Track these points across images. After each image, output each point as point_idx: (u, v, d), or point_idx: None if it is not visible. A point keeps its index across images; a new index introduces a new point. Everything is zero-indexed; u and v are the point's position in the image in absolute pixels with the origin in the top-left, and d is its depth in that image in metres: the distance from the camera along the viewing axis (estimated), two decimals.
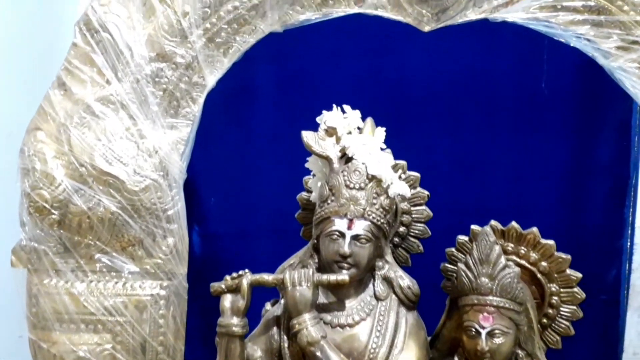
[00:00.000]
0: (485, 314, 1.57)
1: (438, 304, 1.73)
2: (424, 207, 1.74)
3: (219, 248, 2.27)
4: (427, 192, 1.73)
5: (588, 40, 1.63)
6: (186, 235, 1.80)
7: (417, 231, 1.75)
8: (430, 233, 1.75)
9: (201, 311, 1.87)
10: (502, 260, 1.57)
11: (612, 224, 2.13)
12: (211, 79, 1.74)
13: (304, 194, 1.77)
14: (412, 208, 1.74)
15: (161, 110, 1.74)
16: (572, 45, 1.65)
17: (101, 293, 1.80)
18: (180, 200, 1.78)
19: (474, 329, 1.58)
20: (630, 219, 2.16)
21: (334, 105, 1.66)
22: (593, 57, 1.64)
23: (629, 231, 2.21)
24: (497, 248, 1.58)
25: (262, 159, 2.23)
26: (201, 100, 1.75)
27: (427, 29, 1.67)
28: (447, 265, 1.73)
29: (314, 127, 1.71)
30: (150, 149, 1.75)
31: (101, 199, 1.75)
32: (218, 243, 2.26)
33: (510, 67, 2.10)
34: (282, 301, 1.64)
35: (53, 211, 1.75)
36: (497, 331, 1.57)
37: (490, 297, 1.58)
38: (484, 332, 1.57)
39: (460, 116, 2.14)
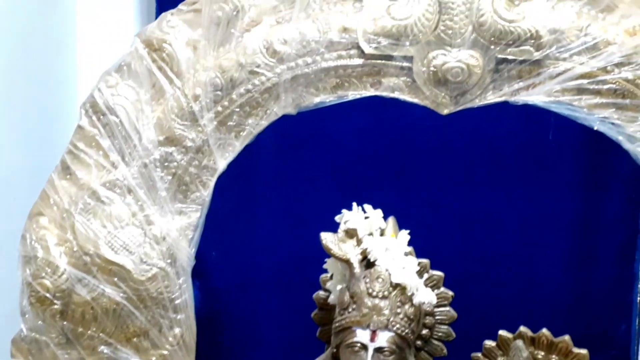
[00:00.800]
0: None
1: None
2: (448, 308, 1.67)
3: (221, 302, 2.24)
4: (451, 293, 1.67)
5: (612, 124, 1.58)
6: (194, 324, 1.74)
7: (440, 333, 1.68)
8: (454, 335, 1.67)
9: None
10: None
11: (622, 278, 2.09)
12: (222, 163, 1.69)
13: (321, 293, 1.70)
14: (436, 309, 1.67)
15: (170, 195, 1.68)
16: (595, 129, 1.60)
17: None
18: (187, 289, 1.72)
19: None
20: None
21: (354, 204, 1.60)
22: (618, 141, 1.58)
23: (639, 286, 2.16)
24: None
25: (265, 211, 2.17)
26: (211, 184, 1.69)
27: (445, 112, 1.62)
28: None
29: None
30: (158, 236, 1.68)
31: (105, 288, 1.68)
32: (220, 297, 2.24)
33: (517, 119, 2.05)
34: None
35: (55, 301, 1.68)
36: None
37: None
38: None
39: (466, 170, 2.09)
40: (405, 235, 1.60)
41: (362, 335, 1.53)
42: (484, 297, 1.84)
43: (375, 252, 1.55)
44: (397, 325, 1.54)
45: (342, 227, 1.58)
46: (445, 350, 1.70)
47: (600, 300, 2.10)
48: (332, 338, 1.59)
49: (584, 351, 1.62)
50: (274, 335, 2.08)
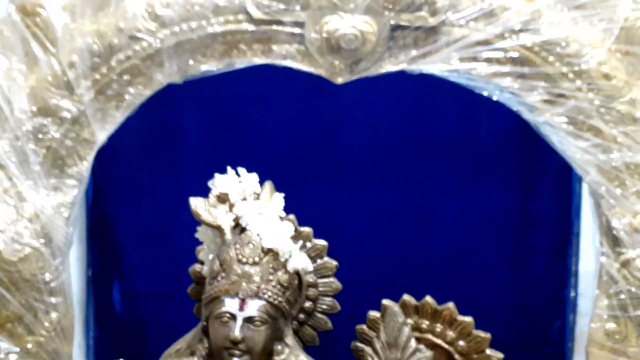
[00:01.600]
0: None
1: None
2: (332, 279, 1.59)
3: (142, 306, 2.17)
4: (335, 263, 1.59)
5: (512, 93, 1.52)
6: (72, 309, 1.62)
7: (325, 306, 1.60)
8: (339, 307, 1.59)
9: None
10: (413, 343, 1.43)
11: (555, 275, 2.06)
12: (102, 135, 1.58)
13: (196, 266, 1.60)
14: (319, 280, 1.58)
15: (44, 169, 1.56)
16: (494, 99, 1.53)
17: None
18: (65, 270, 1.60)
19: None
20: (574, 268, 2.10)
21: (229, 168, 1.51)
22: (518, 111, 1.52)
23: (573, 280, 2.14)
24: (406, 330, 1.43)
25: (188, 214, 2.06)
26: (90, 158, 1.58)
27: (339, 80, 1.54)
28: (357, 344, 1.58)
29: None
30: (31, 214, 1.55)
31: None
32: (141, 301, 2.16)
33: (448, 116, 2.01)
34: None
35: None
36: None
37: None
38: None
39: (397, 166, 2.04)
40: (280, 198, 1.52)
41: (230, 305, 1.44)
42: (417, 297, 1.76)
43: (247, 216, 1.46)
44: (269, 293, 1.46)
45: (213, 192, 1.49)
46: (329, 324, 1.62)
47: (535, 297, 2.08)
48: (202, 311, 1.50)
49: (468, 318, 1.57)
50: None
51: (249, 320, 1.44)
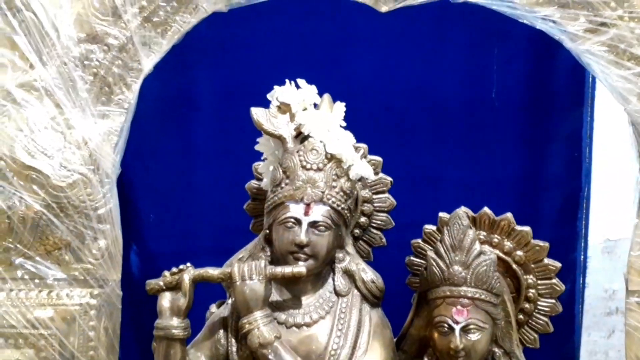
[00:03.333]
0: (459, 307, 1.42)
1: (403, 303, 1.59)
2: (387, 194, 1.60)
3: (159, 268, 2.06)
4: (390, 179, 1.59)
5: (554, 22, 1.53)
6: (120, 237, 1.63)
7: (379, 221, 1.61)
8: (393, 223, 1.61)
9: (138, 330, 1.67)
10: (477, 246, 1.43)
11: (565, 237, 2.07)
12: (148, 63, 1.58)
13: (253, 182, 1.60)
14: (374, 196, 1.59)
15: (91, 97, 1.57)
16: (537, 27, 1.55)
17: (23, 303, 1.60)
18: (113, 198, 1.61)
19: (446, 325, 1.43)
20: (583, 231, 2.11)
21: (287, 80, 1.51)
22: (560, 40, 1.54)
23: (582, 244, 2.15)
24: (471, 233, 1.44)
25: (204, 170, 2.08)
26: (136, 87, 1.59)
27: (384, 9, 1.55)
28: (413, 258, 1.58)
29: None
30: (79, 141, 1.57)
31: (23, 196, 1.57)
32: (158, 263, 2.11)
33: (460, 78, 2.02)
34: (230, 300, 1.46)
35: None
36: (472, 326, 1.43)
37: (465, 288, 1.43)
38: (457, 328, 1.42)
39: (409, 129, 2.05)
40: (341, 107, 1.52)
41: (295, 210, 1.45)
42: None
43: (309, 124, 1.47)
44: (333, 199, 1.46)
45: (273, 103, 1.49)
46: (384, 240, 1.63)
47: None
48: (264, 219, 1.50)
49: (527, 228, 1.57)
50: (209, 304, 1.97)
51: (313, 224, 1.45)
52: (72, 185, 1.57)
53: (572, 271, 2.11)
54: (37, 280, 1.61)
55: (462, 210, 1.50)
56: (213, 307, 1.55)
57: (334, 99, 2.02)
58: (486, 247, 1.54)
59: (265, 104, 1.97)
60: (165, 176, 2.10)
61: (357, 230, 1.60)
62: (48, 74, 1.56)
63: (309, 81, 2.03)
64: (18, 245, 1.58)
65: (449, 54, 2.02)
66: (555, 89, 2.04)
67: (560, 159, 2.09)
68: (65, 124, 1.57)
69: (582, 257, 2.17)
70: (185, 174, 2.10)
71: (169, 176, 2.10)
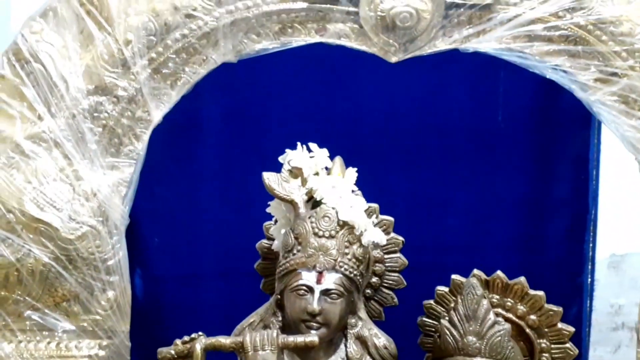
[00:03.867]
0: None
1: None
2: (398, 254, 1.60)
3: (163, 292, 2.14)
4: (401, 238, 1.59)
5: (564, 72, 1.53)
6: (129, 287, 1.63)
7: (391, 281, 1.60)
8: (405, 283, 1.60)
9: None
10: (491, 316, 1.43)
11: (572, 260, 2.07)
12: (157, 114, 1.57)
13: (264, 242, 1.60)
14: (386, 256, 1.58)
15: (100, 148, 1.57)
16: (547, 77, 1.55)
17: (32, 355, 1.61)
18: (122, 249, 1.61)
19: None
20: (590, 254, 2.11)
21: (299, 144, 1.51)
22: (570, 89, 1.53)
23: (589, 267, 2.15)
24: (485, 303, 1.44)
25: (209, 197, 2.07)
26: (146, 137, 1.58)
27: (394, 59, 1.54)
28: (425, 319, 1.58)
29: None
30: (88, 192, 1.57)
31: (31, 248, 1.56)
32: (162, 286, 2.14)
33: (466, 100, 2.02)
34: None
35: None
36: None
37: (479, 359, 1.43)
38: None
39: (415, 152, 2.05)
40: (352, 173, 1.52)
41: (308, 277, 1.44)
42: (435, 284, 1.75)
43: (321, 190, 1.46)
44: (345, 266, 1.46)
45: (285, 167, 1.49)
46: (396, 299, 1.62)
47: (551, 282, 2.06)
48: (276, 284, 1.50)
49: (540, 293, 1.57)
50: (215, 326, 1.98)
51: (326, 292, 1.45)
52: (81, 237, 1.57)
53: (579, 293, 2.11)
54: (45, 332, 1.61)
55: (476, 278, 1.50)
56: None
57: (339, 124, 2.02)
58: (499, 311, 1.53)
59: (271, 130, 1.97)
60: (169, 199, 2.09)
61: (368, 291, 1.60)
62: (57, 125, 1.56)
63: (316, 106, 2.04)
64: (27, 298, 1.58)
65: (454, 77, 2.01)
66: (561, 111, 2.04)
67: (567, 181, 2.08)
68: (74, 175, 1.57)
69: (590, 279, 2.17)
70: (189, 198, 2.10)
71: (173, 199, 2.10)
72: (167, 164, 2.09)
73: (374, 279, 1.59)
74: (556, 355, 1.57)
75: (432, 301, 1.59)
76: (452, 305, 1.50)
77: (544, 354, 1.57)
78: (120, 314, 1.62)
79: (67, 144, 1.55)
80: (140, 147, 1.58)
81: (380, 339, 1.50)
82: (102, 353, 1.62)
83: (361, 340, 1.50)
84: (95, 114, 1.55)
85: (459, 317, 1.46)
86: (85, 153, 1.56)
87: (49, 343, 1.61)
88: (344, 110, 2.09)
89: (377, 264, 1.58)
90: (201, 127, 2.11)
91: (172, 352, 1.41)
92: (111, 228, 1.58)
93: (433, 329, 1.55)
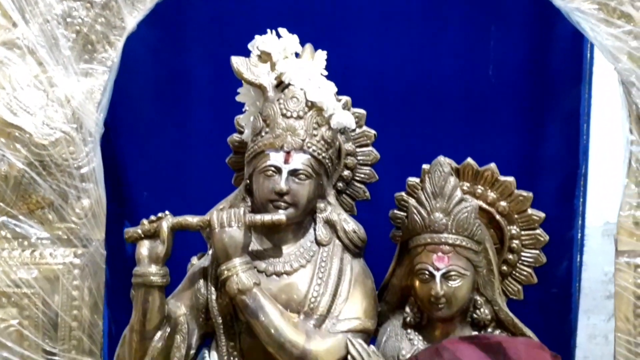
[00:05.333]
0: (439, 253, 1.41)
1: (386, 257, 1.55)
2: (370, 148, 1.58)
3: None
4: (373, 132, 1.57)
5: None
6: (103, 196, 1.62)
7: (363, 175, 1.59)
8: (377, 177, 1.58)
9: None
10: (458, 193, 1.42)
11: (562, 215, 2.04)
12: (131, 21, 1.58)
13: (235, 136, 1.58)
14: (358, 149, 1.57)
15: (74, 55, 1.57)
16: None
17: (6, 262, 1.59)
18: (96, 157, 1.60)
19: (427, 272, 1.41)
20: (581, 209, 2.08)
21: (268, 30, 1.50)
22: None
23: (580, 222, 2.12)
24: (452, 180, 1.42)
25: (198, 147, 2.06)
26: (120, 45, 1.59)
27: None
28: (396, 212, 1.56)
29: None
30: (62, 99, 1.57)
31: (5, 154, 1.56)
32: None
33: (457, 58, 2.00)
34: (210, 251, 1.44)
35: None
36: (453, 273, 1.41)
37: (445, 235, 1.42)
38: (438, 275, 1.40)
39: (405, 108, 2.04)
40: (322, 56, 1.50)
41: (275, 158, 1.43)
42: None
43: (289, 73, 1.45)
44: (313, 147, 1.45)
45: (254, 52, 1.48)
46: (367, 193, 1.60)
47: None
48: (245, 169, 1.49)
49: (510, 178, 1.55)
50: (190, 257, 1.96)
51: (293, 173, 1.43)
52: (54, 143, 1.57)
53: (569, 249, 2.09)
54: (20, 240, 1.59)
55: (444, 158, 1.48)
56: (194, 260, 1.54)
57: (330, 76, 2.01)
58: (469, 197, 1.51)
59: None
60: (159, 153, 2.08)
61: (340, 184, 1.58)
62: (31, 32, 1.56)
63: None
64: (1, 204, 1.57)
65: (445, 31, 2.00)
66: (553, 67, 2.03)
67: (558, 137, 2.07)
68: (47, 82, 1.57)
69: (580, 235, 2.15)
70: (179, 150, 2.08)
71: (162, 153, 2.09)
72: (155, 121, 2.08)
73: (346, 172, 1.58)
74: (526, 242, 1.56)
75: (403, 193, 1.57)
76: (420, 186, 1.48)
77: (514, 241, 1.55)
78: (95, 222, 1.61)
79: (40, 50, 1.55)
80: (115, 54, 1.58)
81: (349, 224, 1.49)
82: (77, 261, 1.61)
83: (330, 224, 1.48)
84: (69, 20, 1.55)
85: (426, 195, 1.45)
86: (59, 59, 1.56)
87: (23, 251, 1.60)
88: (333, 64, 2.08)
89: (348, 157, 1.57)
90: (189, 80, 2.09)
91: (139, 231, 1.39)
92: (85, 135, 1.58)
93: (404, 221, 1.53)
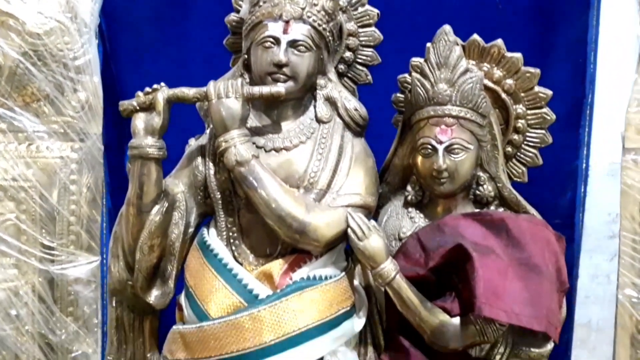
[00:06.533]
0: (443, 126, 1.36)
1: (388, 144, 1.52)
2: (373, 28, 1.52)
3: None
4: (377, 10, 1.51)
5: None
6: (100, 89, 1.59)
7: (365, 57, 1.53)
8: (380, 59, 1.53)
9: None
10: (463, 62, 1.37)
11: (568, 144, 1.98)
12: None
13: (232, 15, 1.53)
14: (360, 29, 1.51)
15: None
16: None
17: (2, 155, 1.55)
18: (92, 49, 1.57)
19: (430, 146, 1.37)
20: (586, 139, 2.03)
21: None
22: None
23: (585, 151, 2.08)
24: (457, 49, 1.37)
25: (196, 39, 1.99)
26: None
27: None
28: (399, 95, 1.51)
29: None
30: None
31: None
32: None
33: None
34: (208, 130, 1.40)
35: None
36: (456, 146, 1.36)
37: (449, 107, 1.37)
38: (441, 148, 1.36)
39: (413, 36, 1.96)
40: None
41: (274, 28, 1.37)
42: None
43: None
44: (314, 17, 1.39)
45: None
46: (370, 77, 1.55)
47: (546, 167, 2.00)
48: (242, 44, 1.44)
49: (517, 55, 1.49)
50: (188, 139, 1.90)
51: (293, 44, 1.38)
52: (49, 32, 1.53)
53: (574, 179, 2.05)
54: (16, 133, 1.57)
55: (449, 27, 1.43)
56: (192, 141, 1.50)
57: None
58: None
59: None
60: (157, 48, 2.00)
61: (341, 66, 1.53)
62: None
63: None
64: None
65: None
66: None
67: (565, 64, 2.01)
68: None
69: (585, 164, 2.10)
70: (177, 44, 2.00)
71: (161, 47, 2.00)
72: (155, 42, 2.01)
73: (348, 54, 1.52)
74: (532, 121, 1.51)
75: (406, 75, 1.52)
76: (424, 57, 1.43)
77: (519, 120, 1.50)
78: (92, 115, 1.59)
79: None
80: None
81: (351, 102, 1.44)
82: (74, 155, 1.59)
83: (331, 101, 1.44)
84: None
85: (430, 67, 1.40)
86: None
87: (19, 144, 1.57)
88: None
89: (350, 38, 1.51)
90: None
91: (134, 103, 1.36)
92: (80, 25, 1.55)
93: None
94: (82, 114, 1.58)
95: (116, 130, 1.67)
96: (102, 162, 1.60)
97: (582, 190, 1.98)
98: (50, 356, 1.60)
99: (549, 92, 1.45)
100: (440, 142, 1.34)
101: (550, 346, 1.43)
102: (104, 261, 1.62)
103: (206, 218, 1.45)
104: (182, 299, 1.41)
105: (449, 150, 1.35)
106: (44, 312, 1.59)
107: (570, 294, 1.76)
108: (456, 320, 1.31)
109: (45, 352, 1.60)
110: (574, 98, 1.94)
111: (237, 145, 1.29)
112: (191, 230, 1.40)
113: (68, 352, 1.61)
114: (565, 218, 1.91)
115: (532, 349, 1.41)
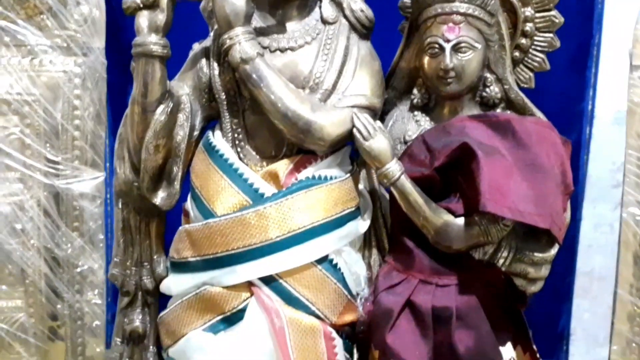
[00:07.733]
0: (450, 24, 1.35)
1: (394, 52, 1.51)
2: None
3: None
4: None
5: None
6: (103, 2, 1.56)
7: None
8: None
9: None
10: None
11: (574, 85, 1.96)
12: None
13: None
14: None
15: None
16: None
17: (5, 69, 1.54)
18: None
19: (437, 45, 1.36)
20: (593, 80, 2.01)
21: None
22: None
23: (591, 92, 2.06)
24: None
25: None
26: None
27: None
28: (405, 1, 1.50)
29: None
30: None
31: None
32: None
33: None
34: (212, 33, 1.39)
35: None
36: (463, 44, 1.35)
37: (457, 4, 1.36)
38: (448, 47, 1.35)
39: None
40: None
41: None
42: None
43: None
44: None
45: None
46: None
47: (553, 109, 1.98)
48: None
49: None
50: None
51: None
52: None
53: (580, 120, 2.03)
54: (19, 46, 1.56)
55: None
56: (195, 46, 1.49)
57: None
58: None
59: None
60: None
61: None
62: None
63: None
64: None
65: None
66: None
67: (571, 4, 1.99)
68: None
69: (590, 106, 2.09)
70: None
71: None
72: None
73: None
74: (540, 25, 1.49)
75: None
76: None
77: (527, 24, 1.49)
78: (95, 29, 1.57)
79: None
80: None
81: (357, 2, 1.43)
82: (77, 70, 1.58)
83: (336, 2, 1.43)
84: None
85: None
86: None
87: (23, 58, 1.56)
88: None
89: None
90: None
91: (138, 0, 1.34)
92: None
93: None
94: (85, 27, 1.57)
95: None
96: (105, 77, 1.59)
97: (588, 131, 1.96)
98: (56, 270, 1.60)
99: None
100: (448, 41, 1.33)
101: (553, 251, 1.42)
102: (108, 179, 1.62)
103: (211, 122, 1.44)
104: (188, 203, 1.41)
105: (456, 49, 1.34)
106: (50, 227, 1.59)
107: (573, 242, 1.76)
108: (460, 220, 1.31)
109: (51, 266, 1.60)
110: (580, 38, 1.92)
111: (241, 43, 1.28)
112: (196, 133, 1.40)
113: (74, 267, 1.61)
114: (571, 159, 1.89)
115: (536, 254, 1.41)
